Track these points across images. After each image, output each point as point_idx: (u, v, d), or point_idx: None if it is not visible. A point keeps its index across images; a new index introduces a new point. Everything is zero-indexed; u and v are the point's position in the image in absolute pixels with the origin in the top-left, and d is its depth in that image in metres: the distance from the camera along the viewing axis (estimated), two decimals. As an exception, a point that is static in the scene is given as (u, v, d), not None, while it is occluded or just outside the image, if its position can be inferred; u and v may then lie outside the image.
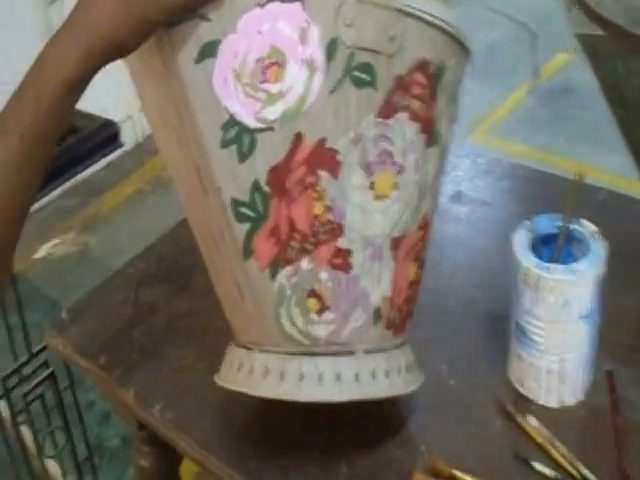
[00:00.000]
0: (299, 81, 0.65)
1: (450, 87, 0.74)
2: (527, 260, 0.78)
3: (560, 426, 0.80)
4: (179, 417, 0.86)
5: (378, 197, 0.70)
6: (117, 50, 0.61)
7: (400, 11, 0.67)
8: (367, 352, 0.73)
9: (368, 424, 0.82)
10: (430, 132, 0.73)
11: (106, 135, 1.16)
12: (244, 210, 0.68)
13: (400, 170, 0.71)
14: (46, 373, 1.26)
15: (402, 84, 0.69)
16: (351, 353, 0.72)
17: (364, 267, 0.71)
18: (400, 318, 0.76)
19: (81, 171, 1.15)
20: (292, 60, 0.64)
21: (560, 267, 0.77)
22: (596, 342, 0.82)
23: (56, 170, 1.15)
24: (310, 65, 0.65)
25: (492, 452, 0.79)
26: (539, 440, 0.79)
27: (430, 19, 0.69)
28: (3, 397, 1.28)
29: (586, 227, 0.81)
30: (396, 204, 0.71)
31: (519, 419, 0.81)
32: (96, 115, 1.17)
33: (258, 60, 0.64)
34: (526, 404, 0.83)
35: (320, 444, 0.81)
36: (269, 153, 0.66)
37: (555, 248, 0.80)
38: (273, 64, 0.64)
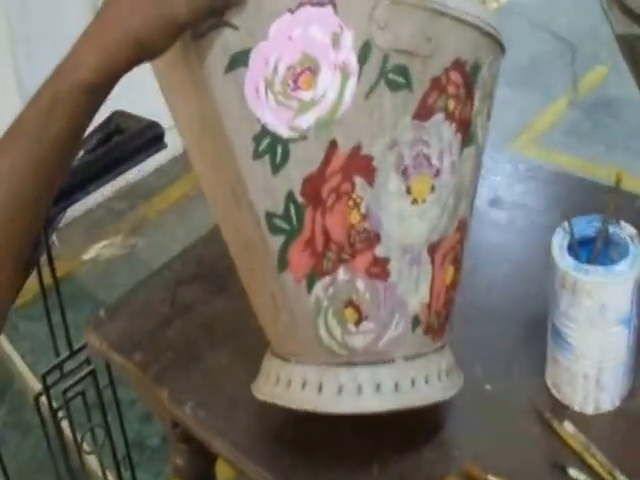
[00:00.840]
0: (332, 87, 0.62)
1: (486, 84, 0.72)
2: (564, 262, 0.76)
3: (597, 432, 0.79)
4: (212, 416, 0.86)
5: (415, 202, 0.68)
6: (142, 51, 0.58)
7: (437, 11, 0.64)
8: (406, 359, 0.71)
9: (401, 426, 0.80)
10: (467, 132, 0.70)
11: (151, 136, 1.18)
12: (278, 222, 0.66)
13: (437, 173, 0.68)
14: (86, 370, 1.27)
15: (438, 85, 0.66)
16: (390, 361, 0.71)
17: (402, 274, 0.69)
18: (439, 322, 0.74)
19: (125, 170, 1.17)
20: (325, 66, 0.62)
21: (597, 269, 0.75)
22: (636, 348, 0.80)
23: (100, 169, 1.17)
24: (343, 70, 0.62)
25: (528, 459, 0.78)
26: (575, 447, 0.77)
27: (468, 18, 0.67)
28: (43, 394, 1.28)
29: (625, 230, 0.78)
30: (433, 208, 0.69)
31: (555, 425, 0.79)
32: (140, 116, 1.18)
33: (289, 67, 0.62)
34: (562, 410, 0.82)
35: (352, 445, 0.80)
36: (303, 163, 0.64)
37: (593, 250, 0.78)
38: (305, 71, 0.62)
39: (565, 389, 0.82)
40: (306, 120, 0.63)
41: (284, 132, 0.63)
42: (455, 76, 0.67)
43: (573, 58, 3.30)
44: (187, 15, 0.58)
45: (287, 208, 0.65)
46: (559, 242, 0.78)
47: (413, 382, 0.71)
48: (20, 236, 0.61)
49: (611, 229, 0.78)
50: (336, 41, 0.62)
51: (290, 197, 0.65)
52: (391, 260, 0.68)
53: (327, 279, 0.67)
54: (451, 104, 0.68)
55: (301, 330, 0.70)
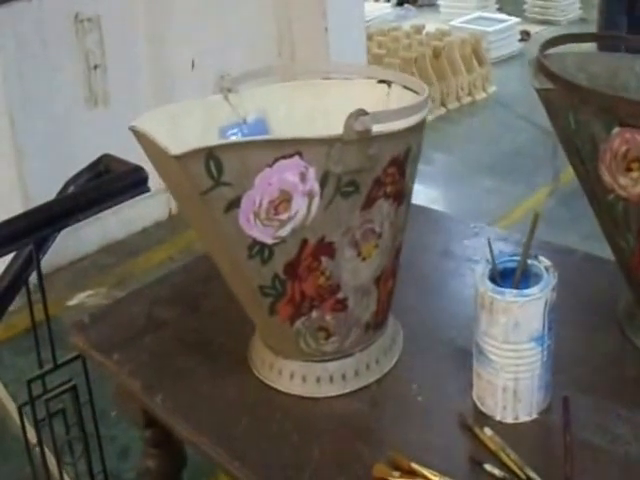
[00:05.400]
0: (302, 207, 0.86)
1: (415, 156, 0.93)
2: (483, 285, 0.89)
3: (514, 438, 0.89)
4: (178, 406, 1.01)
5: (364, 259, 0.93)
6: None
7: (374, 137, 0.85)
8: (362, 350, 1.00)
9: (338, 426, 0.96)
10: (401, 198, 0.93)
11: (135, 178, 1.32)
12: (268, 291, 0.91)
13: (379, 235, 0.93)
14: (69, 385, 1.44)
15: (379, 181, 0.89)
16: (351, 355, 1.00)
17: (356, 304, 0.96)
18: (384, 317, 1.02)
19: (110, 206, 1.32)
20: (296, 195, 0.85)
21: (511, 290, 0.87)
22: (550, 366, 0.91)
23: (88, 202, 1.33)
24: (310, 195, 0.85)
25: (450, 456, 0.90)
26: (492, 447, 0.87)
27: (401, 126, 0.87)
28: (27, 404, 1.44)
29: (542, 262, 0.92)
30: (377, 258, 0.94)
31: (476, 429, 0.90)
32: (127, 161, 1.31)
33: (271, 202, 0.84)
34: (485, 419, 0.93)
35: (299, 435, 0.95)
36: (284, 256, 0.88)
37: (514, 280, 0.90)
38: (282, 201, 0.84)
39: (488, 401, 0.93)
40: (285, 231, 0.87)
41: (269, 241, 0.87)
42: (392, 170, 0.90)
43: (555, 150, 3.54)
44: None
45: (274, 283, 0.91)
46: (481, 270, 0.91)
47: (368, 366, 1.01)
48: None
49: (530, 262, 0.91)
50: (303, 177, 0.84)
51: (276, 276, 0.90)
52: (349, 298, 0.95)
53: (304, 318, 0.94)
54: (389, 189, 0.91)
55: (287, 344, 0.98)
